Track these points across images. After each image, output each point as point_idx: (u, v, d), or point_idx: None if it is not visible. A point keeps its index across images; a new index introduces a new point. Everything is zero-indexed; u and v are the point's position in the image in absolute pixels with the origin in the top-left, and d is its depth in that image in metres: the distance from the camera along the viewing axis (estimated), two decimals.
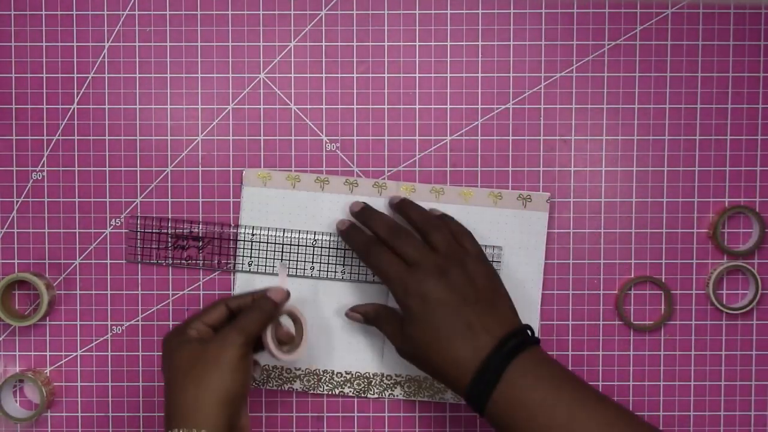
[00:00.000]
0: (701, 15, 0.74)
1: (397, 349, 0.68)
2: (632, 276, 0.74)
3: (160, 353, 0.68)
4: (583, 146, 0.74)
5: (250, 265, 0.73)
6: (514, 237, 0.73)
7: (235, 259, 0.74)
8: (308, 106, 0.74)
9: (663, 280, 0.74)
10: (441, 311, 0.64)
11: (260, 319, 0.64)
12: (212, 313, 0.65)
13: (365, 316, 0.71)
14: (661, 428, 0.74)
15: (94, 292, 0.75)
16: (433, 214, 0.71)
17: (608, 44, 0.74)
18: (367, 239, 0.69)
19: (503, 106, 0.74)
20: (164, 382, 0.63)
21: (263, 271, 0.73)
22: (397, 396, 0.74)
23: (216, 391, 0.60)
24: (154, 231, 0.73)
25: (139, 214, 0.74)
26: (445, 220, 0.70)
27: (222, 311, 0.65)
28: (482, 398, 0.62)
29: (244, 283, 0.73)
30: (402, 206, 0.71)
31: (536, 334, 0.71)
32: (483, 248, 0.69)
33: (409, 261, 0.66)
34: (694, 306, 0.75)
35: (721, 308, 0.74)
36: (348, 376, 0.73)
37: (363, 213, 0.71)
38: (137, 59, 0.74)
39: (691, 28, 0.74)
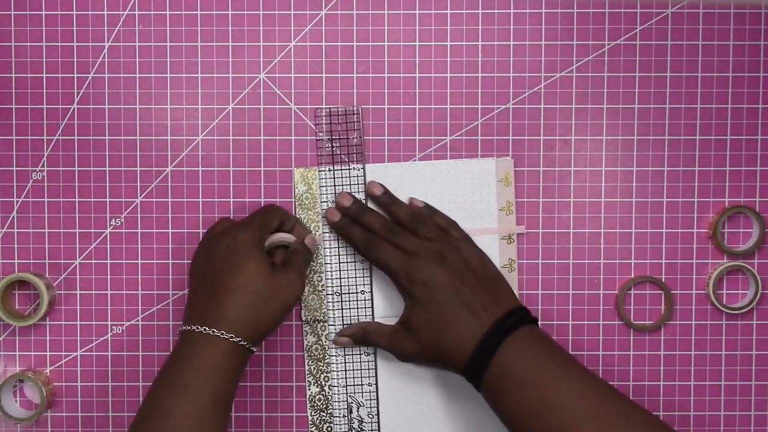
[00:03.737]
0: (701, 15, 0.74)
1: (398, 355, 0.71)
2: (632, 276, 0.74)
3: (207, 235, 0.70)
4: (583, 146, 0.74)
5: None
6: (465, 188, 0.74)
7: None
8: (308, 106, 0.74)
9: (663, 280, 0.74)
10: (444, 294, 0.67)
11: (305, 261, 0.70)
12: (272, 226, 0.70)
13: (353, 338, 0.73)
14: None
15: (94, 292, 0.75)
16: (417, 207, 0.72)
17: (608, 44, 0.74)
18: (364, 234, 0.71)
19: (503, 106, 0.74)
20: (212, 270, 0.66)
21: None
22: None
23: (274, 319, 0.67)
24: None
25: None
26: (431, 211, 0.73)
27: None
28: (479, 372, 0.65)
29: None
30: (385, 203, 0.73)
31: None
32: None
33: (407, 252, 0.69)
34: (694, 306, 0.75)
35: (721, 308, 0.74)
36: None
37: (354, 209, 0.72)
38: (137, 59, 0.74)
39: (691, 28, 0.74)
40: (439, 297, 0.67)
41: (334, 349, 0.74)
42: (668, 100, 0.74)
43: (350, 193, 0.73)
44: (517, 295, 0.74)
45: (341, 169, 0.73)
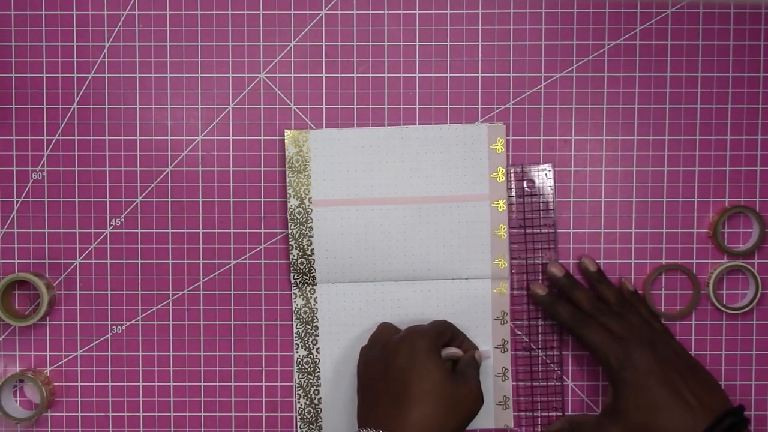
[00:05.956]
0: (701, 15, 0.74)
1: None
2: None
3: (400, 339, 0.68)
4: (583, 146, 0.74)
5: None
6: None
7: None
8: (308, 106, 0.74)
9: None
10: (655, 380, 0.66)
11: (477, 374, 0.69)
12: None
13: None
14: None
15: (94, 292, 0.75)
16: (627, 292, 0.72)
17: (608, 44, 0.74)
18: (574, 311, 0.71)
19: (503, 106, 0.74)
20: (393, 375, 0.65)
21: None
22: None
23: (457, 429, 0.65)
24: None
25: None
26: (637, 299, 0.72)
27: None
28: None
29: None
30: (596, 280, 0.72)
31: None
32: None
33: (617, 334, 0.68)
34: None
35: (721, 308, 0.74)
36: None
37: (565, 281, 0.72)
38: (137, 59, 0.74)
39: (691, 28, 0.74)
40: (651, 382, 0.66)
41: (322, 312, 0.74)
42: (668, 100, 0.74)
43: (561, 264, 0.73)
44: (509, 263, 0.74)
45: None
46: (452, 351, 0.69)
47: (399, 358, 0.65)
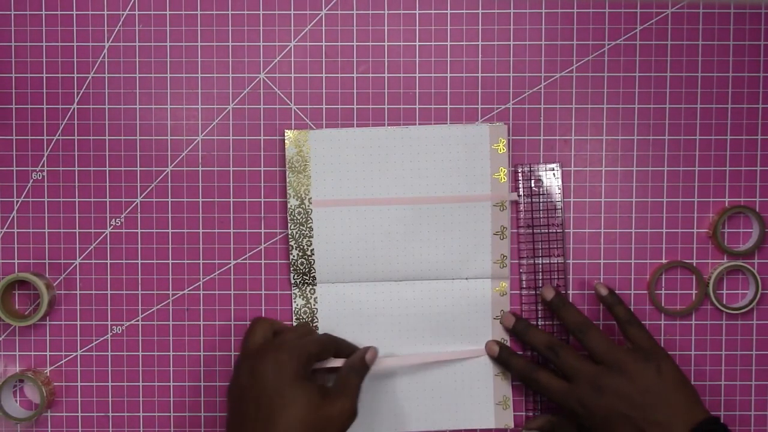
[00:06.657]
0: (701, 15, 0.74)
1: None
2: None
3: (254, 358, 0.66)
4: (583, 146, 0.74)
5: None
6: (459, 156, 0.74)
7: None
8: (308, 106, 0.74)
9: (694, 265, 0.74)
10: (617, 420, 0.66)
11: (359, 380, 0.68)
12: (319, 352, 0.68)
13: (542, 430, 0.73)
14: None
15: (94, 292, 0.75)
16: (599, 296, 0.71)
17: (608, 44, 0.74)
18: (523, 365, 0.71)
19: (503, 106, 0.74)
20: (259, 398, 0.64)
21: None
22: None
23: None
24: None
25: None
26: (612, 301, 0.71)
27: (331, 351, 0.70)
28: None
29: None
30: (556, 306, 0.72)
31: None
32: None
33: (567, 376, 0.69)
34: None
35: (721, 308, 0.74)
36: None
37: (519, 327, 0.72)
38: (137, 59, 0.74)
39: (691, 28, 0.74)
40: (614, 421, 0.66)
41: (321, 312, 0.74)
42: (668, 100, 0.74)
43: (514, 314, 0.73)
44: (509, 266, 0.74)
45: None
46: (332, 364, 0.68)
47: (264, 381, 0.64)
